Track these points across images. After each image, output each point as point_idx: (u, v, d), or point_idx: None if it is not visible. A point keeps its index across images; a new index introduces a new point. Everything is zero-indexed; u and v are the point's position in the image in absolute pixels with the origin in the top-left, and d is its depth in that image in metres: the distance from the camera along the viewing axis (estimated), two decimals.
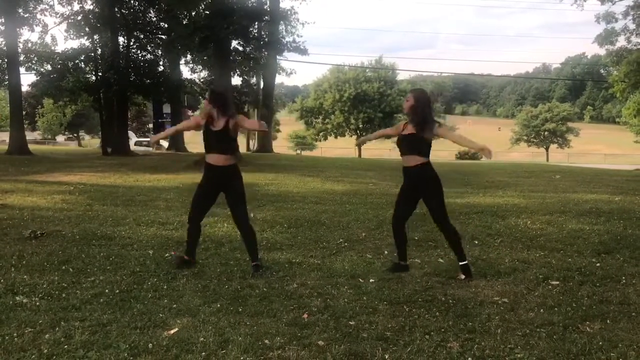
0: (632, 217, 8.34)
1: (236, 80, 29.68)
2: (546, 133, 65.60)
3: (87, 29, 26.16)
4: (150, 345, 3.51)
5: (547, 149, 65.73)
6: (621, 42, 26.94)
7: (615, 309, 4.33)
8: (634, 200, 10.81)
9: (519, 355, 3.45)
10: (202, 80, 31.38)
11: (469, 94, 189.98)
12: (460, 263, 5.25)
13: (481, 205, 9.57)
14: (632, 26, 26.09)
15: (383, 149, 59.88)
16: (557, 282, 5.04)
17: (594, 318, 4.11)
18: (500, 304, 4.42)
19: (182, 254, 5.62)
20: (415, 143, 5.29)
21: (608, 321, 4.06)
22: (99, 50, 27.48)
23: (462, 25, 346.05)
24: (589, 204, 9.62)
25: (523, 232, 7.23)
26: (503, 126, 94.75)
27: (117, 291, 4.61)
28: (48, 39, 27.48)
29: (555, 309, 4.31)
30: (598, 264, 5.67)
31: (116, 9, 25.71)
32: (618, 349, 3.53)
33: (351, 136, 57.90)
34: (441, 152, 59.75)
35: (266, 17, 22.31)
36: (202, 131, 5.45)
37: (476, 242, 6.70)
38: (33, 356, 3.32)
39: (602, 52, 29.56)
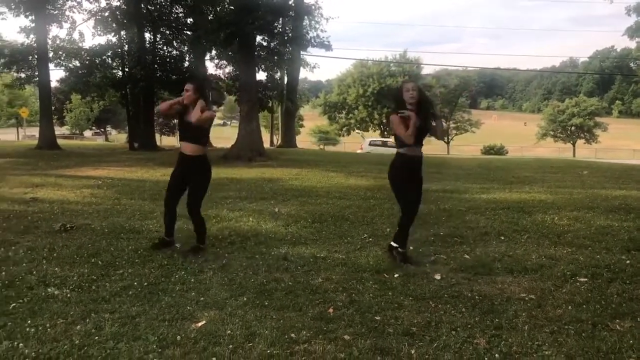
0: None
1: (261, 76, 29.75)
2: (573, 128, 64.57)
3: (114, 25, 26.49)
4: (178, 337, 3.57)
5: (574, 144, 64.70)
6: None
7: None
8: None
9: (546, 352, 3.43)
10: (227, 75, 31.50)
11: (494, 89, 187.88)
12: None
13: (507, 201, 9.47)
14: None
15: None
16: (586, 279, 4.97)
17: (623, 316, 4.06)
18: (527, 301, 4.38)
19: (162, 236, 6.10)
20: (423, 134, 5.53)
21: (639, 319, 4.00)
22: (126, 46, 27.81)
23: (488, 18, 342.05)
24: (617, 200, 9.46)
25: (550, 228, 7.15)
26: (529, 121, 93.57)
27: (146, 284, 4.68)
28: (76, 36, 27.84)
29: (584, 306, 4.26)
30: (628, 261, 5.58)
31: (142, 5, 25.96)
32: None
33: (374, 131, 57.73)
34: (465, 148, 59.29)
35: (291, 12, 22.31)
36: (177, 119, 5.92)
37: (502, 238, 6.64)
38: (65, 346, 3.40)
39: (632, 45, 29.03)
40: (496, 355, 3.39)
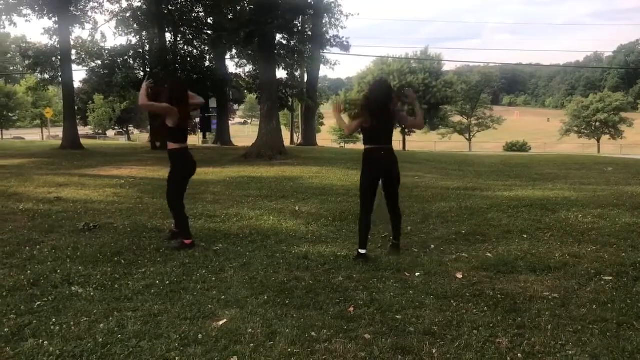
0: None
1: (281, 74, 29.85)
2: (597, 124, 63.62)
3: (135, 25, 26.81)
4: (200, 335, 3.59)
5: (598, 140, 63.72)
6: None
7: None
8: None
9: (570, 352, 3.38)
10: (247, 74, 31.67)
11: (516, 85, 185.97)
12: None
13: (530, 198, 9.36)
14: None
15: (428, 141, 59.34)
16: (610, 278, 4.89)
17: None
18: (551, 300, 4.33)
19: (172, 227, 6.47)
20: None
21: None
22: (147, 46, 28.08)
23: (509, 14, 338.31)
24: None
25: (574, 226, 7.04)
26: (552, 117, 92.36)
27: (167, 282, 4.72)
28: (98, 36, 28.27)
29: (609, 305, 4.19)
30: None
31: (163, 6, 26.20)
32: None
33: (395, 128, 57.45)
34: (487, 144, 58.78)
35: (310, 11, 22.31)
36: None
37: (525, 236, 6.57)
38: (89, 344, 3.44)
39: None
40: (519, 354, 3.35)
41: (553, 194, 9.83)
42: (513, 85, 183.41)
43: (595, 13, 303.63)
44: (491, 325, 3.80)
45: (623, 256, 5.60)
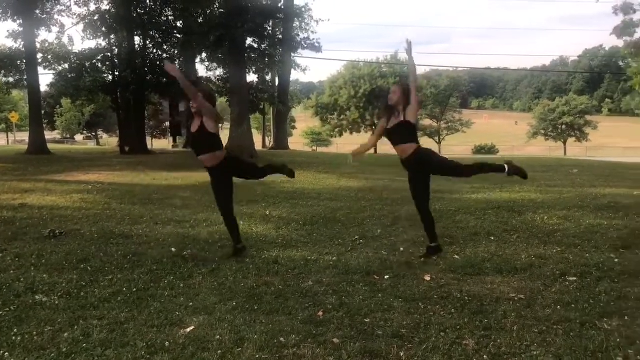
0: None
1: (251, 78, 29.75)
2: (564, 127, 64.94)
3: (103, 29, 26.37)
4: (167, 343, 3.55)
5: (564, 142, 65.04)
6: (639, 33, 26.47)
7: (634, 305, 4.29)
8: None
9: (535, 353, 3.44)
10: (217, 78, 31.45)
11: (485, 88, 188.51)
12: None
13: (497, 200, 9.50)
14: None
15: None
16: (575, 278, 4.99)
17: (612, 315, 4.07)
18: (517, 301, 4.40)
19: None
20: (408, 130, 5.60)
21: (626, 318, 4.01)
22: (116, 49, 27.69)
23: (477, 19, 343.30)
24: (607, 199, 9.50)
25: (540, 228, 7.17)
26: (520, 120, 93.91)
27: (135, 289, 4.66)
28: (65, 40, 27.70)
29: (573, 305, 4.27)
30: (616, 260, 5.60)
31: (132, 9, 25.88)
32: (636, 346, 3.50)
33: (367, 132, 57.75)
34: (456, 147, 59.43)
35: (280, 15, 22.34)
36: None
37: (492, 238, 6.66)
38: (52, 355, 3.37)
39: (620, 43, 29.07)
40: (485, 356, 3.40)
41: (520, 196, 10.00)
42: (481, 89, 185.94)
43: (561, 18, 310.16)
44: (458, 327, 3.85)
45: (587, 257, 5.72)
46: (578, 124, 64.32)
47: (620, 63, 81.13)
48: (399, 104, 5.58)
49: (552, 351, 3.45)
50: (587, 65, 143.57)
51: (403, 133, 5.59)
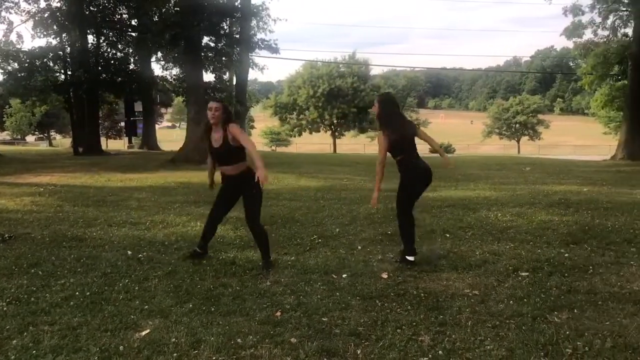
0: (599, 208, 8.51)
1: (209, 77, 29.46)
2: (517, 125, 66.48)
3: (54, 27, 25.68)
4: (121, 347, 3.48)
5: (518, 141, 66.61)
6: (588, 35, 27.41)
7: (583, 298, 4.43)
8: (601, 190, 11.05)
9: (488, 347, 3.51)
10: (174, 77, 31.05)
11: (441, 88, 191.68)
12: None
13: (453, 198, 9.66)
14: (598, 19, 26.57)
15: (358, 144, 60.16)
16: (527, 274, 5.12)
17: (562, 308, 4.20)
18: (471, 297, 4.48)
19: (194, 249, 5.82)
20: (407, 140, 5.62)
21: (575, 311, 4.14)
22: (68, 48, 27.01)
23: (434, 19, 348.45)
24: (558, 195, 9.79)
25: (493, 225, 7.33)
26: (475, 119, 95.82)
27: (88, 293, 4.56)
28: (14, 37, 26.90)
29: (525, 300, 4.39)
30: (566, 255, 5.78)
31: (84, 7, 25.28)
32: (584, 338, 3.62)
33: (326, 132, 57.94)
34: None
35: (237, 14, 22.17)
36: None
37: (448, 235, 6.78)
38: None
39: (570, 44, 30.03)
40: (440, 352, 3.45)
41: (474, 194, 10.20)
42: (438, 89, 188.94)
43: (516, 19, 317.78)
44: (414, 323, 3.90)
45: (538, 252, 5.89)
46: (531, 122, 66.00)
47: (571, 63, 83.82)
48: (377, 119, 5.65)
49: (505, 345, 3.53)
50: (539, 65, 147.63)
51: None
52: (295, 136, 59.87)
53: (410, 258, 5.47)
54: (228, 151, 5.29)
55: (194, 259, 5.65)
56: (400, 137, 5.52)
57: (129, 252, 5.95)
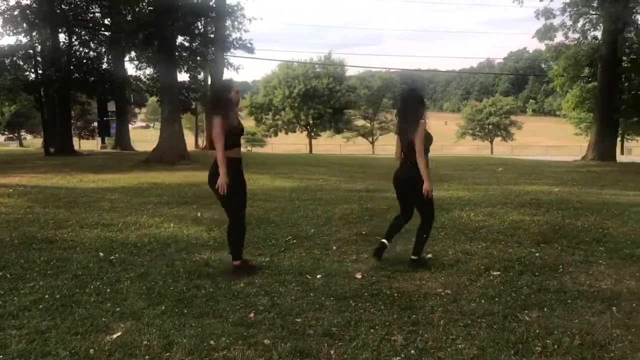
0: (570, 207, 8.66)
1: (183, 77, 29.25)
2: (490, 126, 67.35)
3: (24, 24, 25.19)
4: (91, 350, 3.44)
5: (491, 142, 67.50)
6: (559, 37, 27.84)
7: (553, 297, 4.51)
8: (572, 190, 11.25)
9: (460, 346, 3.55)
10: (147, 77, 30.74)
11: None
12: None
13: None
14: (569, 22, 27.01)
15: (334, 145, 60.28)
16: (498, 273, 5.19)
17: (532, 306, 4.26)
18: (444, 296, 4.52)
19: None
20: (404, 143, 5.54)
21: (545, 309, 4.21)
22: (39, 47, 26.54)
23: (409, 21, 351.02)
24: (529, 195, 9.94)
25: (466, 224, 7.41)
26: (449, 120, 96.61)
27: (58, 296, 4.48)
28: None
29: (496, 299, 4.44)
30: (537, 254, 5.87)
31: (55, 5, 24.87)
32: (554, 336, 3.68)
33: (302, 132, 57.95)
34: (390, 147, 60.63)
35: (212, 14, 22.05)
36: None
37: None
38: None
39: (542, 47, 30.50)
40: (412, 351, 3.48)
41: (448, 194, 10.29)
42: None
43: (489, 21, 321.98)
44: (387, 323, 3.92)
45: (510, 252, 5.97)
46: (504, 123, 66.95)
47: (543, 65, 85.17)
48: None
49: (477, 344, 3.57)
50: (512, 67, 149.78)
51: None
52: (271, 136, 59.82)
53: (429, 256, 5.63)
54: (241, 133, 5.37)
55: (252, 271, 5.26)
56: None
57: (101, 254, 5.88)
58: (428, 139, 5.39)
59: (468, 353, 3.45)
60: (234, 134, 5.19)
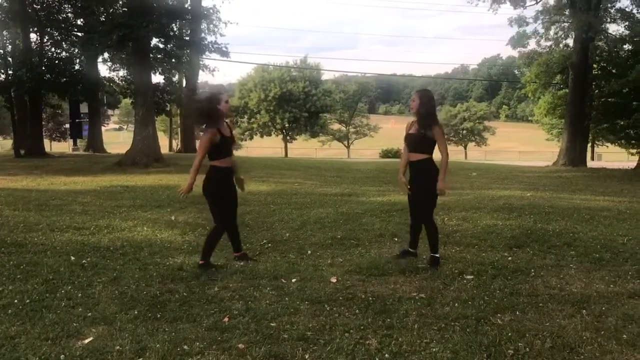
0: (541, 212, 8.78)
1: (158, 79, 28.99)
2: (464, 132, 68.11)
3: None
4: (62, 356, 3.39)
5: (465, 147, 68.23)
6: (532, 44, 28.31)
7: (525, 300, 4.57)
8: (543, 195, 11.42)
9: (434, 349, 3.57)
10: (121, 78, 30.39)
11: (391, 94, 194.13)
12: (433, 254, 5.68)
13: (402, 203, 9.75)
14: (541, 30, 27.50)
15: (309, 148, 60.31)
16: (472, 277, 5.24)
17: (504, 310, 4.32)
18: (418, 300, 4.55)
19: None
20: (419, 141, 5.83)
21: (517, 312, 4.27)
22: (9, 47, 26.09)
23: (385, 26, 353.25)
24: (502, 200, 10.05)
25: (440, 229, 7.38)
26: None
27: (28, 301, 4.40)
28: None
29: (469, 302, 4.49)
30: (510, 258, 5.95)
31: (27, 4, 24.46)
32: (525, 339, 3.73)
33: (277, 135, 57.84)
34: (365, 151, 60.84)
35: (187, 16, 21.90)
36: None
37: (396, 239, 6.87)
38: None
39: (515, 54, 30.94)
40: (386, 355, 3.49)
41: None
42: (388, 95, 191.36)
43: (464, 27, 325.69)
44: (362, 327, 3.93)
45: (483, 256, 6.03)
46: (478, 129, 67.76)
47: (516, 72, 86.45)
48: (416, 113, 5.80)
49: (450, 347, 3.60)
50: (486, 73, 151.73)
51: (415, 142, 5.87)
52: (246, 140, 59.51)
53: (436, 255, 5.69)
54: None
55: (247, 260, 5.71)
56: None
57: (72, 258, 5.78)
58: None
59: (442, 356, 3.47)
60: (224, 144, 5.48)
